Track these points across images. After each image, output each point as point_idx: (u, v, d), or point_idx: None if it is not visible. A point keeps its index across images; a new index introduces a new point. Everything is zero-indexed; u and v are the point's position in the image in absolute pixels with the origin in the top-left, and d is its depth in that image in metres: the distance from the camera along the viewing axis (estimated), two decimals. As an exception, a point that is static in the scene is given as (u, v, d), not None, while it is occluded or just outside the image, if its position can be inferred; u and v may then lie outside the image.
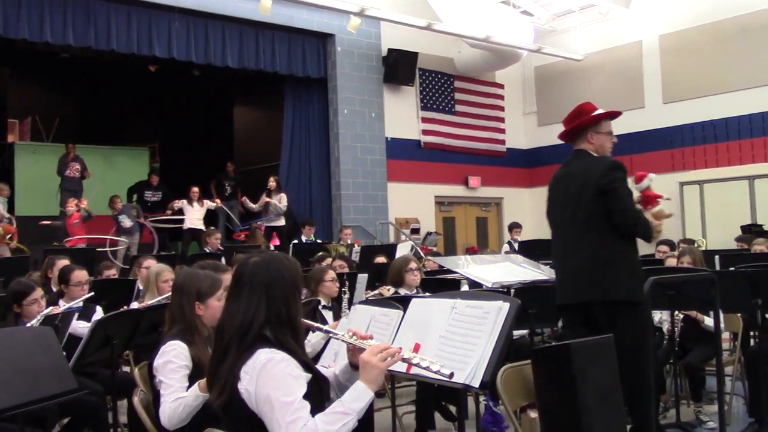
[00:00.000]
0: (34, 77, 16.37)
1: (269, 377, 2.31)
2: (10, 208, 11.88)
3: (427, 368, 2.45)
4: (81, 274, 5.33)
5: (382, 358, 2.40)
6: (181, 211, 12.33)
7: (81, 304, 5.14)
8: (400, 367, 2.67)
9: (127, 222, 11.72)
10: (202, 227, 12.20)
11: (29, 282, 4.73)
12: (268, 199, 12.50)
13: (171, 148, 16.89)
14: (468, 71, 15.83)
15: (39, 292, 4.56)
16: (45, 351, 3.45)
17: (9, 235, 10.62)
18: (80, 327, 4.74)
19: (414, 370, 2.67)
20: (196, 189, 12.41)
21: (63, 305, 5.03)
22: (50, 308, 4.57)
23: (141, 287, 6.27)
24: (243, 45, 12.77)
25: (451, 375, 2.47)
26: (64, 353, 3.76)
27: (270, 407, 2.29)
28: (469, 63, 15.60)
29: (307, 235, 11.84)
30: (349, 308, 5.42)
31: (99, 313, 5.05)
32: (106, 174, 14.10)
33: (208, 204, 12.55)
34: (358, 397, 2.35)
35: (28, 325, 4.27)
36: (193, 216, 12.33)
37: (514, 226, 13.01)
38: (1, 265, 7.77)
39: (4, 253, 10.45)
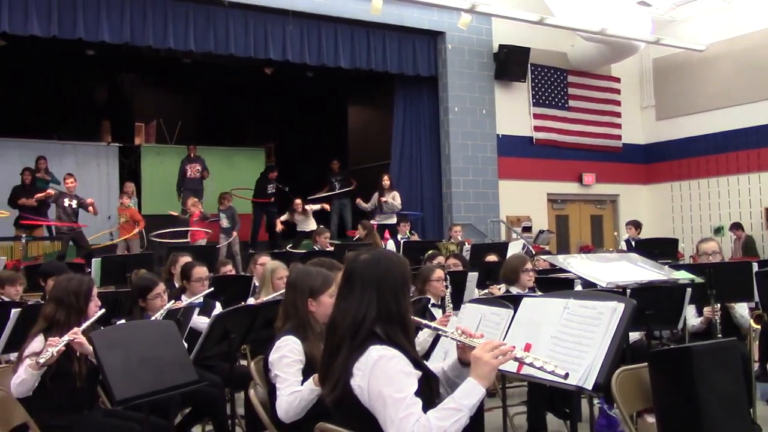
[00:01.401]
0: (158, 82, 17.18)
1: (381, 374, 2.33)
2: (137, 205, 12.52)
3: (540, 368, 2.41)
4: (201, 271, 5.56)
5: (494, 355, 2.38)
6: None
7: (201, 299, 5.35)
8: (511, 366, 2.64)
9: (224, 222, 12.05)
10: (314, 227, 12.42)
11: (152, 277, 4.95)
12: (381, 198, 12.61)
13: (286, 148, 17.32)
14: (582, 65, 15.43)
15: (161, 287, 4.77)
16: (168, 343, 3.61)
17: (136, 224, 11.21)
18: (200, 322, 4.93)
19: (525, 370, 2.63)
20: (298, 201, 12.59)
21: (185, 300, 5.26)
22: (172, 302, 4.78)
23: (257, 284, 6.47)
24: (354, 45, 12.94)
25: (566, 376, 2.43)
26: (186, 346, 3.93)
27: (382, 403, 2.31)
28: (583, 57, 15.20)
29: (402, 233, 11.85)
30: (453, 305, 5.40)
31: (218, 309, 5.23)
32: (225, 173, 14.63)
33: (313, 208, 12.68)
34: (469, 393, 2.34)
35: (152, 318, 4.49)
36: (303, 223, 12.56)
37: (632, 224, 12.59)
38: (128, 261, 8.18)
39: (134, 249, 11.04)
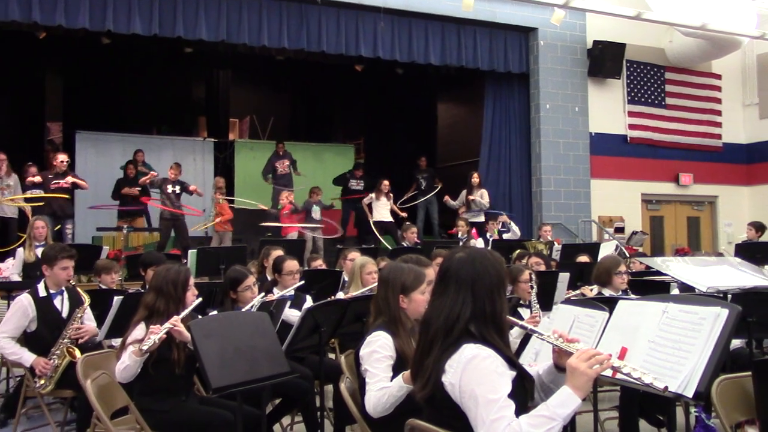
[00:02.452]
0: (252, 79, 17.58)
1: (475, 373, 2.32)
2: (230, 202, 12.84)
3: (638, 380, 2.33)
4: (292, 264, 5.65)
5: (590, 365, 2.33)
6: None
7: (293, 292, 5.45)
8: (605, 371, 2.58)
9: (316, 214, 12.20)
10: (391, 219, 12.45)
11: (243, 270, 5.06)
12: (470, 196, 12.54)
13: (375, 144, 17.44)
14: (680, 61, 14.91)
15: (251, 280, 4.87)
16: (262, 335, 3.69)
17: (219, 218, 11.50)
18: (292, 314, 5.02)
19: (621, 376, 2.57)
20: (386, 182, 12.65)
21: (277, 293, 5.36)
22: (262, 294, 4.88)
23: (346, 278, 6.54)
24: (445, 42, 12.91)
25: (665, 389, 2.35)
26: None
27: (474, 403, 2.29)
28: (682, 53, 14.68)
29: (491, 231, 11.74)
30: (541, 306, 5.31)
31: (309, 302, 5.31)
32: (315, 169, 14.84)
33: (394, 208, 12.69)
34: (564, 402, 2.29)
35: (243, 310, 4.59)
36: (381, 209, 12.58)
37: (753, 226, 11.72)
38: (221, 254, 8.40)
39: (225, 241, 11.34)
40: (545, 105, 13.63)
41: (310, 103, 18.38)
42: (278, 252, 6.23)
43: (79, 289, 5.35)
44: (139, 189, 11.88)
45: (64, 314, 5.20)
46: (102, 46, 12.14)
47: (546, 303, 5.42)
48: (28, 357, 5.04)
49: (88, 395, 3.60)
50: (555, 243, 10.89)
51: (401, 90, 15.94)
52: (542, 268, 6.76)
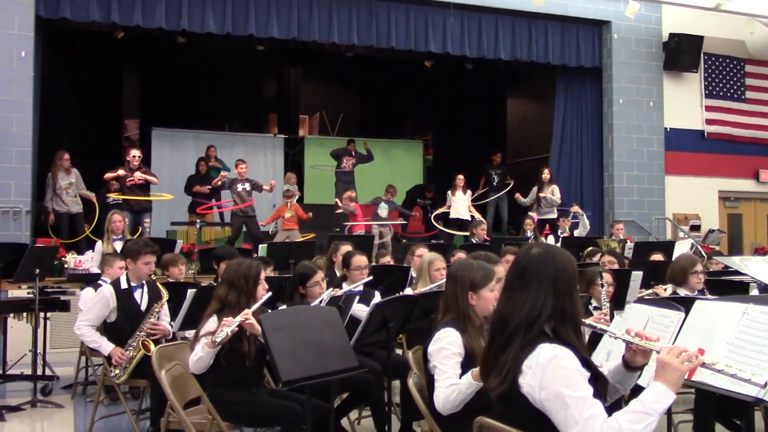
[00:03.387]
0: (322, 76, 17.74)
1: (557, 374, 2.28)
2: (299, 198, 12.99)
3: (733, 375, 2.26)
4: (361, 260, 5.68)
5: (682, 360, 2.27)
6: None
7: (361, 287, 5.47)
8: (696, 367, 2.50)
9: (383, 212, 12.21)
10: (468, 217, 12.37)
11: (312, 266, 5.11)
12: (540, 193, 12.38)
13: (444, 140, 17.38)
14: (762, 54, 14.36)
15: (320, 275, 4.92)
16: (330, 329, 3.72)
17: (290, 216, 11.64)
18: (360, 309, 5.05)
19: (697, 377, 2.50)
20: (461, 177, 12.59)
21: (345, 288, 5.40)
22: (331, 290, 4.92)
23: (414, 274, 6.53)
24: (516, 37, 12.77)
25: (766, 384, 2.27)
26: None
27: (562, 404, 2.25)
28: (764, 45, 14.14)
29: (562, 228, 11.54)
30: (614, 305, 5.19)
31: (377, 298, 5.33)
32: (384, 165, 14.88)
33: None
34: (658, 398, 2.24)
35: (312, 304, 4.64)
36: (459, 205, 12.51)
37: None
38: (290, 250, 8.51)
39: (295, 238, 11.47)
40: (618, 100, 13.34)
41: (380, 100, 18.44)
42: (347, 247, 6.27)
43: (158, 284, 5.51)
44: (210, 188, 12.13)
45: (143, 307, 5.39)
46: (177, 45, 12.44)
47: (618, 302, 5.30)
48: (106, 346, 5.25)
49: (163, 385, 3.70)
50: (627, 241, 10.65)
51: (470, 86, 15.84)
52: (615, 266, 6.61)
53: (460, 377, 3.18)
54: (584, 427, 2.21)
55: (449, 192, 12.60)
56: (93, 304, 5.43)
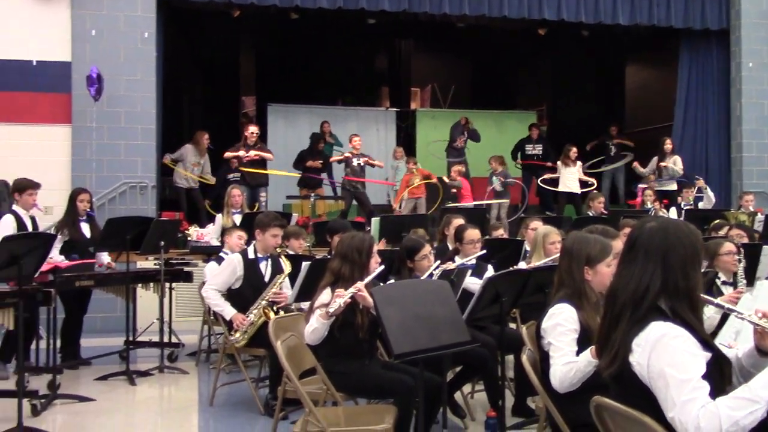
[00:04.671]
0: (433, 48, 17.63)
1: (664, 352, 2.18)
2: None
3: None
4: (474, 233, 5.62)
5: None
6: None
7: (474, 261, 5.43)
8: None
9: (497, 185, 12.03)
10: (578, 190, 12.02)
11: (419, 239, 5.12)
12: (661, 163, 11.88)
13: (559, 110, 16.94)
14: None
15: (428, 248, 4.93)
16: (442, 303, 3.70)
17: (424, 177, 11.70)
18: (472, 283, 5.00)
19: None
20: (574, 149, 12.21)
21: (458, 261, 5.37)
22: (438, 263, 4.89)
23: (528, 248, 6.42)
24: (635, 0, 12.21)
25: None
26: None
27: (664, 383, 2.16)
28: None
29: (685, 200, 10.99)
30: (747, 281, 4.92)
31: (490, 272, 5.27)
32: (496, 138, 14.67)
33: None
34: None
35: (422, 278, 4.63)
36: (569, 178, 12.17)
37: None
38: (405, 221, 8.50)
39: (420, 209, 11.48)
40: (748, 63, 12.54)
41: (492, 70, 18.14)
42: (459, 221, 6.22)
43: (282, 258, 5.71)
44: (321, 162, 12.30)
45: (266, 278, 5.66)
46: (290, 21, 12.62)
47: (749, 278, 5.02)
48: (229, 310, 5.56)
49: (279, 355, 3.79)
50: (758, 213, 10.06)
51: (587, 53, 15.33)
52: (745, 240, 6.25)
53: (576, 354, 3.09)
54: (681, 411, 2.10)
55: (559, 163, 12.26)
56: (221, 271, 5.81)
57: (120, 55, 10.15)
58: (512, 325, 5.70)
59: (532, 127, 13.65)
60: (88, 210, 7.20)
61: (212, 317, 6.40)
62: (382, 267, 4.19)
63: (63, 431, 5.07)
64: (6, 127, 9.89)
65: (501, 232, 7.67)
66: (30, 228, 6.62)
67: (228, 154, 11.00)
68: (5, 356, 6.52)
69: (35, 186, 6.79)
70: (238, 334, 5.46)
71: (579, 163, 12.29)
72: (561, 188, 12.16)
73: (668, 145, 12.00)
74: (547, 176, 12.46)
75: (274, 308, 5.48)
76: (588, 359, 2.99)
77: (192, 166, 10.91)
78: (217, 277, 5.81)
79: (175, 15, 11.75)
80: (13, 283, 5.21)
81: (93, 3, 10.11)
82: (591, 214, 9.99)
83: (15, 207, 6.73)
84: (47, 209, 7.79)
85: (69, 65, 10.03)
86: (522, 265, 5.79)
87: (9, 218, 6.59)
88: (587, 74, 16.21)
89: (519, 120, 15.94)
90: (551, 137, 14.05)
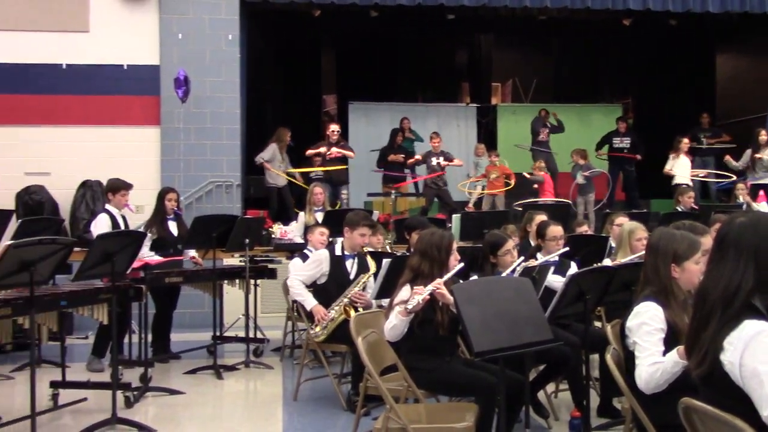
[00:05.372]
0: (514, 42, 17.40)
1: (759, 350, 2.09)
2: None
3: None
4: (556, 230, 5.53)
5: None
6: None
7: (557, 258, 5.34)
8: None
9: (580, 179, 11.77)
10: (689, 182, 11.60)
11: (503, 234, 5.07)
12: (756, 155, 11.38)
13: (645, 103, 16.46)
14: None
15: (511, 244, 4.88)
16: (524, 300, 3.65)
17: (504, 176, 11.61)
18: (555, 281, 4.92)
19: None
20: (686, 140, 11.73)
21: (540, 258, 5.29)
22: (522, 259, 4.83)
23: (613, 244, 6.28)
24: (726, -13, 11.76)
25: None
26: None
27: (758, 382, 2.07)
28: None
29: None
30: None
31: (574, 269, 5.18)
32: (580, 132, 14.35)
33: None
34: None
35: (503, 274, 4.58)
36: (682, 170, 11.68)
37: None
38: (486, 218, 8.45)
39: (499, 205, 11.43)
40: None
41: (574, 63, 17.76)
42: (542, 217, 6.12)
43: (368, 258, 5.77)
44: (403, 156, 12.36)
45: (352, 276, 5.72)
46: (370, 19, 12.69)
47: None
48: (311, 301, 5.68)
49: (360, 352, 3.82)
50: None
51: (674, 43, 14.82)
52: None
53: (663, 354, 3.00)
54: None
55: (671, 155, 11.80)
56: (308, 264, 5.94)
57: (205, 57, 10.44)
58: (597, 324, 5.59)
59: (619, 120, 13.32)
60: (176, 209, 7.44)
61: (296, 313, 6.52)
62: (462, 265, 4.16)
63: (154, 422, 5.23)
64: (99, 129, 10.33)
65: (585, 229, 7.52)
66: (122, 226, 6.88)
67: (310, 152, 11.15)
68: (100, 350, 6.81)
69: (128, 186, 7.04)
70: (318, 328, 5.54)
71: (689, 156, 11.83)
72: (677, 181, 11.70)
73: (763, 136, 11.48)
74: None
75: (356, 307, 5.51)
76: (675, 359, 2.90)
77: (279, 164, 11.13)
78: (304, 268, 5.95)
79: (257, 17, 11.99)
80: (106, 279, 5.43)
81: (180, 7, 10.43)
82: (680, 209, 9.66)
83: (108, 206, 7.00)
84: (138, 208, 8.06)
85: (157, 68, 10.39)
86: (607, 262, 5.68)
87: (104, 217, 6.85)
88: (674, 65, 15.66)
89: (604, 113, 15.56)
90: (637, 131, 13.65)
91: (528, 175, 11.84)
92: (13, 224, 7.60)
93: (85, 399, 5.60)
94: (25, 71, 10.26)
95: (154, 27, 10.45)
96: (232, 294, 7.83)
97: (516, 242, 5.36)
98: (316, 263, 5.80)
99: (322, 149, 10.82)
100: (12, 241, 4.43)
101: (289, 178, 11.20)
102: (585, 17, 12.76)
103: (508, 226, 6.80)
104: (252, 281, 7.53)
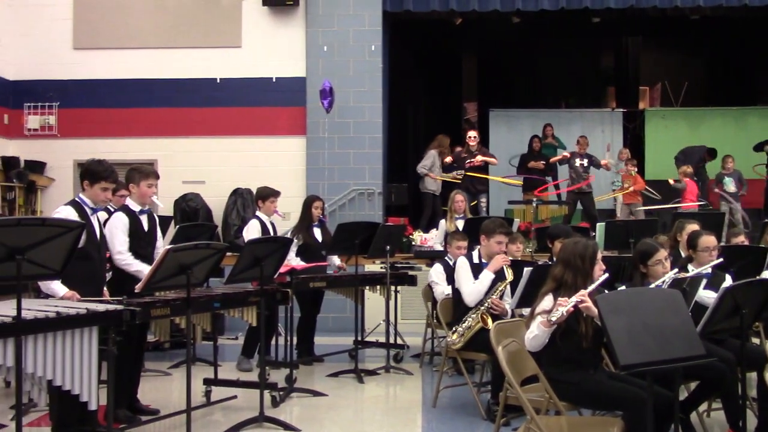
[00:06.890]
0: (663, 43, 16.69)
1: None
2: (640, 171, 12.40)
3: None
4: (709, 240, 5.25)
5: None
6: None
7: (709, 270, 5.07)
8: None
9: (731, 186, 11.10)
10: None
11: (654, 243, 4.85)
12: None
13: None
14: None
15: (663, 254, 4.65)
16: (674, 313, 3.48)
17: (630, 187, 11.20)
18: (706, 295, 4.69)
19: None
20: None
21: (691, 270, 5.04)
22: (675, 270, 4.60)
23: (774, 256, 5.89)
24: None
25: None
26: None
27: None
28: None
29: None
30: None
31: (728, 282, 4.90)
32: (736, 136, 13.58)
33: None
34: None
35: (653, 285, 4.39)
36: None
37: None
38: (632, 227, 8.14)
39: (638, 215, 11.00)
40: None
41: (729, 64, 16.78)
42: (694, 226, 5.83)
43: (505, 266, 5.73)
44: (544, 163, 12.14)
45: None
46: (512, 26, 12.57)
47: None
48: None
49: (500, 361, 3.79)
50: None
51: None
52: None
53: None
54: None
55: None
56: (458, 269, 5.85)
57: (349, 68, 10.73)
58: (755, 340, 5.26)
59: None
60: (321, 216, 7.67)
61: (435, 320, 6.54)
62: (607, 275, 4.04)
63: (298, 422, 5.41)
64: (249, 139, 10.85)
65: (742, 239, 7.09)
66: (271, 232, 7.17)
67: (448, 159, 11.17)
68: (249, 351, 7.14)
69: (276, 194, 7.33)
70: (454, 336, 5.54)
71: None
72: None
73: None
74: None
75: (493, 314, 5.48)
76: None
77: (437, 170, 11.23)
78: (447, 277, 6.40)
79: (398, 26, 12.18)
80: (255, 283, 5.68)
81: (325, 20, 10.78)
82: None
83: (258, 213, 7.31)
84: (286, 215, 8.36)
85: (304, 80, 10.79)
86: (766, 274, 5.33)
87: (255, 223, 7.15)
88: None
89: (761, 116, 14.63)
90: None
91: (672, 182, 11.33)
92: (172, 230, 8.11)
93: (235, 397, 5.89)
94: (183, 85, 10.94)
95: (300, 41, 10.85)
96: (373, 300, 7.97)
97: (668, 252, 5.13)
98: (465, 268, 5.82)
99: (448, 159, 10.91)
100: (171, 246, 4.72)
101: (456, 180, 11.10)
102: (743, 15, 12.04)
103: (660, 236, 6.53)
104: (392, 287, 7.64)
